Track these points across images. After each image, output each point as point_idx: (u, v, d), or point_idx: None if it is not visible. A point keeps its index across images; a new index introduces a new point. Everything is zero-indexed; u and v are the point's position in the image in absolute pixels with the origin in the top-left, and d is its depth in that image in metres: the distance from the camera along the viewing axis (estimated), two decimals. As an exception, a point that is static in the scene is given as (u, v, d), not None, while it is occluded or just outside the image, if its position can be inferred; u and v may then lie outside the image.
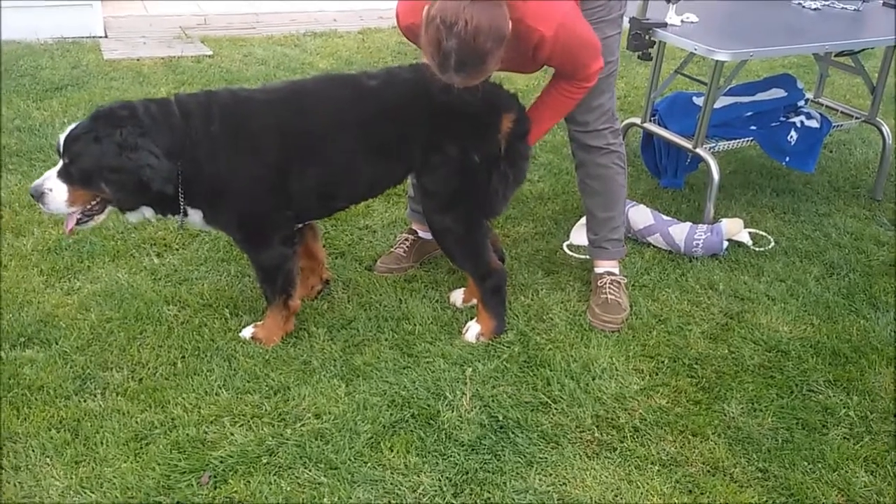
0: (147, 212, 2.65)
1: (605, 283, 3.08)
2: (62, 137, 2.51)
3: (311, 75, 2.98)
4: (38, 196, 2.51)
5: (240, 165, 2.59)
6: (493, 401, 2.59)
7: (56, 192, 2.50)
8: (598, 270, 3.16)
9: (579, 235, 3.50)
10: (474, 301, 3.02)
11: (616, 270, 3.16)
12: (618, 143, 3.09)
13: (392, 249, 3.34)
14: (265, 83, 2.87)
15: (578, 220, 3.58)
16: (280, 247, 2.73)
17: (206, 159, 2.56)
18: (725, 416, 2.58)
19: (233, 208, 2.67)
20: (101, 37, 6.28)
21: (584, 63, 2.71)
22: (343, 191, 2.82)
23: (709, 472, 2.37)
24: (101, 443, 2.36)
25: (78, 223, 2.59)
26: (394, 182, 2.95)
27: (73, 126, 2.53)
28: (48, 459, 2.30)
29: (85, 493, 2.20)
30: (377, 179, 2.87)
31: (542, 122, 2.89)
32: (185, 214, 2.66)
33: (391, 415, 2.51)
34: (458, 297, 3.11)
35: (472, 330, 2.89)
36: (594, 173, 3.11)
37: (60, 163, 2.52)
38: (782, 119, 4.00)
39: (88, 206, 2.57)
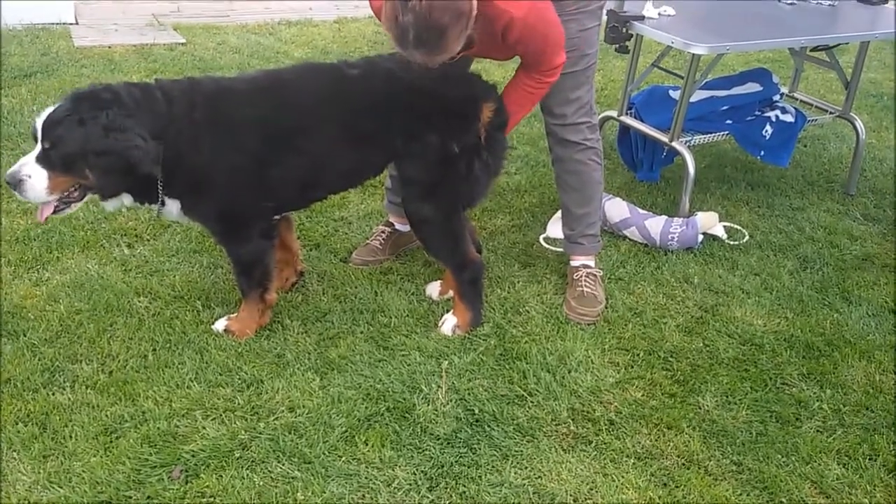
0: (126, 199, 2.57)
1: (581, 276, 3.08)
2: (39, 121, 2.39)
3: (290, 64, 2.92)
4: (16, 184, 2.38)
5: (221, 155, 2.55)
6: (468, 394, 2.57)
7: (35, 178, 2.38)
8: (573, 263, 3.16)
9: (556, 228, 3.49)
10: (450, 294, 3.00)
11: (592, 263, 3.16)
12: (595, 139, 3.06)
13: (368, 241, 3.31)
14: (243, 72, 2.81)
15: (555, 212, 3.57)
16: (259, 240, 2.69)
17: (187, 147, 2.50)
18: (700, 409, 2.59)
19: (212, 199, 2.62)
20: (71, 23, 6.17)
21: (549, 54, 2.68)
22: (323, 181, 2.79)
23: (683, 465, 2.38)
24: (70, 437, 2.32)
25: (55, 211, 2.49)
26: (374, 172, 2.93)
27: (51, 109, 2.41)
28: (15, 454, 2.25)
29: (53, 487, 2.16)
30: (357, 169, 2.84)
31: (511, 113, 2.83)
32: (163, 204, 2.60)
33: (366, 408, 2.49)
34: (434, 289, 3.09)
35: (449, 322, 2.88)
36: (571, 169, 3.09)
37: (38, 148, 2.40)
38: (758, 113, 4.02)
39: (67, 193, 2.47)
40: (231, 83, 2.66)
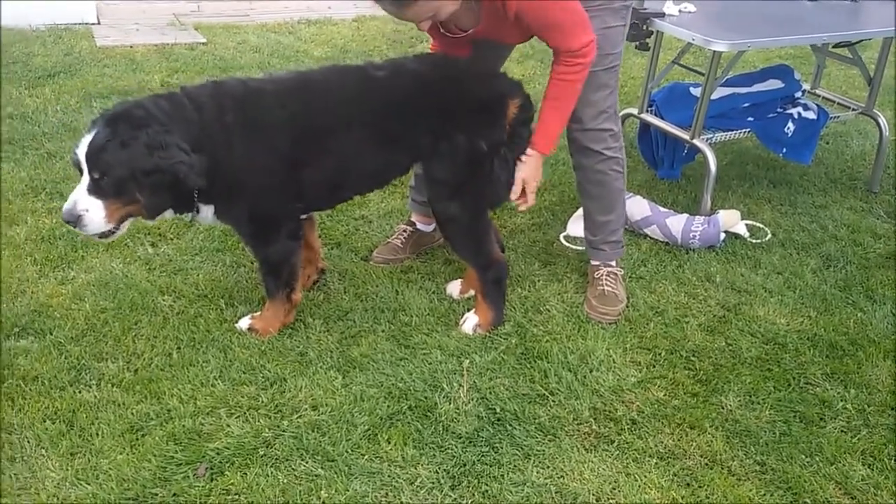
0: (168, 213, 2.57)
1: (602, 275, 3.07)
2: (81, 152, 2.34)
3: (317, 66, 2.94)
4: (75, 220, 2.35)
5: (255, 157, 2.55)
6: (490, 393, 2.58)
7: (93, 211, 2.35)
8: (594, 262, 3.15)
9: (576, 226, 3.49)
10: (471, 292, 3.01)
11: (613, 262, 3.15)
12: (618, 147, 3.00)
13: (389, 240, 3.33)
14: (270, 73, 2.82)
15: (575, 210, 3.57)
16: (286, 240, 2.71)
17: (221, 152, 2.49)
18: (723, 408, 2.58)
19: (245, 202, 2.62)
20: (93, 23, 6.23)
21: (563, 30, 2.58)
22: (352, 181, 2.80)
23: (706, 464, 2.37)
24: (97, 434, 2.34)
25: (104, 236, 2.45)
26: (400, 172, 2.93)
27: (88, 137, 2.35)
28: (43, 451, 2.28)
29: (81, 484, 2.18)
30: (385, 169, 2.85)
31: (546, 119, 2.74)
32: (198, 211, 2.60)
33: (388, 407, 2.50)
34: (454, 288, 3.09)
35: (470, 321, 2.88)
36: (592, 178, 3.04)
37: (86, 178, 2.36)
38: (779, 110, 3.99)
39: (123, 218, 2.43)
40: (259, 84, 2.64)
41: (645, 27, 3.53)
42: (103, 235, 2.46)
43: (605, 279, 3.06)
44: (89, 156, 2.34)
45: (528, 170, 2.77)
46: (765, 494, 2.28)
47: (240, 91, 2.58)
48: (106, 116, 2.41)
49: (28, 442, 2.30)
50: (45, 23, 6.03)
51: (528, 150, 2.75)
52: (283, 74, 2.81)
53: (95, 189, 2.36)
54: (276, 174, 2.60)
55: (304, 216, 2.83)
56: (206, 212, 2.63)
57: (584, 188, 3.10)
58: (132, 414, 2.42)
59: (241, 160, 2.53)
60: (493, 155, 2.69)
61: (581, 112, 2.89)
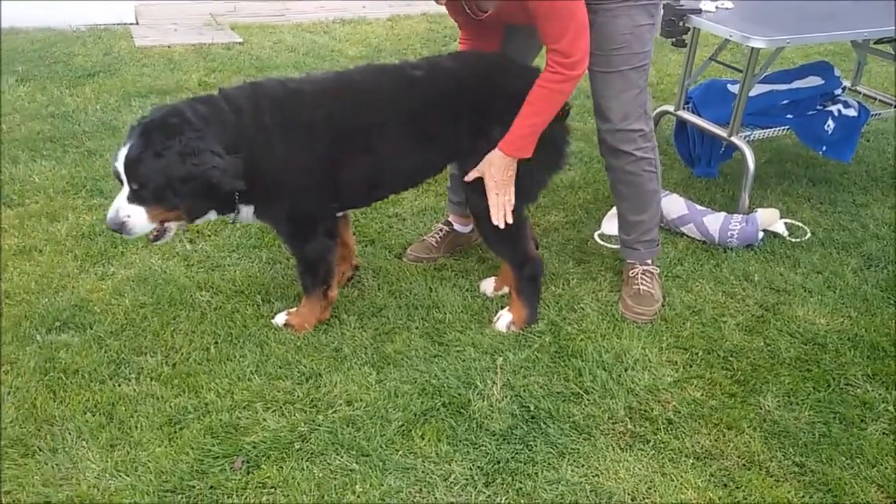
0: (212, 215, 2.60)
1: (638, 274, 3.05)
2: (119, 163, 2.40)
3: (354, 66, 2.94)
4: (119, 227, 2.44)
5: (293, 158, 2.56)
6: (524, 391, 2.57)
7: (135, 217, 2.43)
8: (629, 261, 3.13)
9: (610, 225, 3.47)
10: (505, 290, 3.01)
11: (649, 261, 3.12)
12: (649, 148, 2.93)
13: (424, 238, 3.33)
14: (308, 73, 2.83)
15: (610, 209, 3.54)
16: (324, 238, 2.73)
17: (261, 153, 2.51)
18: (761, 409, 2.55)
19: (284, 202, 2.64)
20: (132, 24, 6.33)
21: (563, 29, 2.49)
22: (389, 181, 2.82)
23: (744, 465, 2.34)
24: (136, 427, 2.38)
25: (154, 240, 2.55)
26: (436, 171, 2.94)
27: (126, 148, 2.40)
28: (84, 442, 2.32)
29: (120, 476, 2.22)
30: (422, 168, 2.86)
31: (516, 122, 2.59)
32: (238, 212, 2.62)
33: (422, 403, 2.51)
34: (488, 285, 3.09)
35: (504, 319, 2.88)
36: (623, 179, 3.00)
37: (126, 188, 2.43)
38: (819, 107, 3.93)
39: (165, 220, 2.51)
40: (298, 85, 2.64)
41: (681, 24, 3.50)
42: (155, 238, 2.53)
43: (641, 278, 3.03)
44: (127, 167, 2.39)
45: (484, 164, 2.66)
46: (804, 496, 2.25)
47: (278, 92, 2.59)
48: (141, 125, 2.43)
49: (69, 434, 2.35)
50: (85, 23, 6.14)
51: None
52: (321, 74, 2.82)
53: (135, 197, 2.42)
54: (314, 175, 2.61)
55: (339, 214, 2.84)
56: (247, 212, 2.65)
57: (616, 188, 3.06)
58: (170, 407, 2.46)
59: (280, 161, 2.54)
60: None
61: (610, 113, 2.86)
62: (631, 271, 3.09)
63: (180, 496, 2.17)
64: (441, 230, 3.31)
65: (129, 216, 2.42)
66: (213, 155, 2.38)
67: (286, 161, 2.55)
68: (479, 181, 2.71)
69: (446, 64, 2.74)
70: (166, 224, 2.54)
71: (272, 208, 2.67)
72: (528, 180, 2.74)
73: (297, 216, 2.68)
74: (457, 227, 3.30)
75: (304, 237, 2.73)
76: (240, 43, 5.95)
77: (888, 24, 3.71)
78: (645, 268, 3.08)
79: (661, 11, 2.88)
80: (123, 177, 2.41)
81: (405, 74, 2.69)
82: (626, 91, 2.81)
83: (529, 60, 2.96)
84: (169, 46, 5.79)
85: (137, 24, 6.35)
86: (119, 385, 2.54)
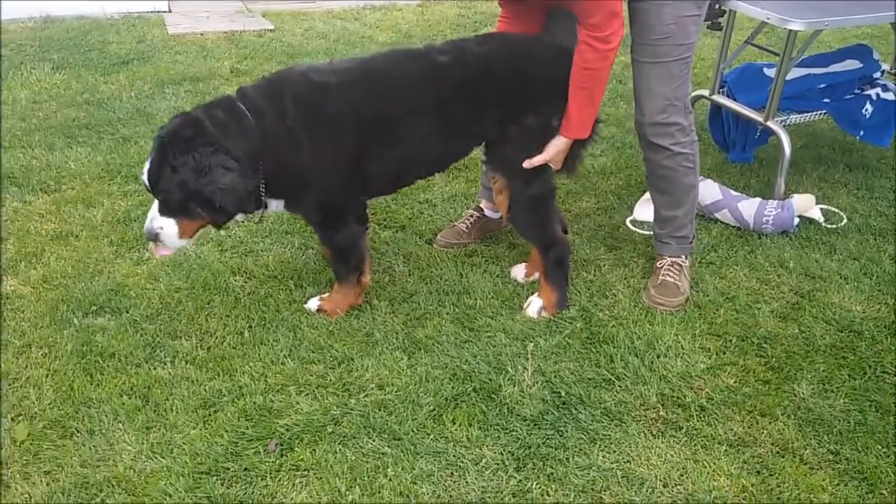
0: (239, 217, 2.61)
1: (665, 265, 3.01)
2: (144, 177, 2.44)
3: (380, 51, 2.91)
4: (154, 237, 2.48)
5: (321, 154, 2.56)
6: (555, 376, 2.57)
7: (167, 228, 2.46)
8: (659, 253, 3.10)
9: (643, 210, 3.44)
10: (535, 276, 3.00)
11: (682, 256, 3.07)
12: (688, 142, 2.86)
13: (455, 224, 3.33)
14: (332, 60, 2.81)
15: (642, 195, 3.52)
16: (354, 226, 2.74)
17: (287, 154, 2.51)
18: (795, 396, 2.52)
19: (314, 196, 2.65)
20: (165, 11, 6.38)
21: (599, 6, 2.44)
22: (415, 169, 2.82)
23: (778, 453, 2.32)
24: (171, 409, 2.41)
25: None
26: (462, 156, 2.93)
27: (148, 162, 2.43)
28: (120, 425, 2.36)
29: (156, 458, 2.25)
30: (448, 155, 2.86)
31: (570, 106, 2.61)
32: (266, 207, 2.64)
33: (453, 388, 2.51)
34: (519, 272, 3.08)
35: (534, 305, 2.87)
36: (659, 173, 2.94)
37: (157, 200, 2.47)
38: (857, 91, 3.86)
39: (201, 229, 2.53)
40: (322, 78, 2.58)
41: (717, 6, 3.45)
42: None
43: (667, 269, 2.99)
44: (150, 181, 2.43)
45: (552, 152, 2.69)
46: (838, 484, 2.22)
47: (300, 88, 2.55)
48: (159, 139, 2.42)
49: (106, 416, 2.39)
50: (118, 11, 6.20)
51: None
52: (345, 63, 2.72)
53: (164, 209, 2.45)
54: (341, 168, 2.62)
55: (368, 200, 2.85)
56: (276, 205, 2.67)
57: (652, 182, 3.02)
58: (205, 390, 2.49)
59: (307, 159, 2.54)
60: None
61: (646, 105, 2.80)
62: (659, 261, 3.05)
63: (215, 478, 2.20)
64: (472, 216, 3.31)
65: (161, 228, 2.46)
66: (224, 171, 2.36)
67: (313, 158, 2.55)
68: (510, 166, 2.71)
69: (473, 48, 2.69)
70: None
71: (302, 202, 2.69)
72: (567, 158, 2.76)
73: (326, 207, 2.69)
74: (487, 212, 3.30)
75: (334, 226, 2.74)
76: (271, 30, 5.98)
77: (930, 5, 3.63)
78: (674, 259, 3.03)
79: (707, 4, 2.76)
80: (150, 187, 2.44)
81: (431, 60, 2.65)
82: (666, 83, 2.74)
83: (572, 42, 2.91)
84: (201, 34, 5.83)
85: (170, 11, 6.40)
86: (154, 368, 2.58)
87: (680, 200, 2.98)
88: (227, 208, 2.43)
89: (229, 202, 2.41)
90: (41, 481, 2.18)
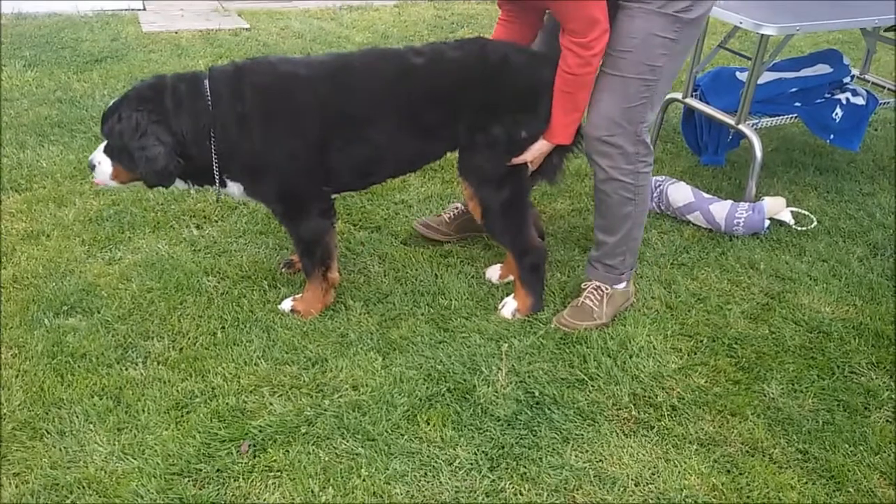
0: (179, 183, 2.67)
1: (589, 287, 2.88)
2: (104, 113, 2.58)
3: (357, 50, 2.92)
4: (92, 168, 2.62)
5: (277, 143, 2.59)
6: (529, 377, 2.58)
7: (103, 165, 2.59)
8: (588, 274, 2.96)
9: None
10: (510, 277, 3.01)
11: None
12: (629, 171, 2.67)
13: (440, 214, 3.32)
14: (308, 55, 2.83)
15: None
16: (318, 219, 2.74)
17: (238, 138, 2.56)
18: (765, 396, 2.56)
19: (271, 182, 2.67)
20: (139, 9, 6.32)
21: (577, 12, 2.42)
22: (383, 168, 2.82)
23: (748, 452, 2.35)
24: (143, 410, 2.40)
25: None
26: (434, 158, 2.93)
27: (111, 102, 2.59)
28: (91, 426, 2.34)
29: (127, 459, 2.24)
30: (418, 156, 2.86)
31: (554, 110, 2.59)
32: (224, 185, 2.68)
33: (427, 388, 2.52)
34: (494, 273, 3.09)
35: (509, 306, 2.88)
36: (596, 193, 2.79)
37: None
38: (827, 96, 3.92)
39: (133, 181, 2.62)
40: (292, 69, 2.63)
41: (690, 10, 3.47)
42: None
43: (590, 292, 2.86)
44: (102, 118, 2.58)
45: (532, 153, 2.68)
46: (807, 483, 2.25)
47: (263, 77, 2.60)
48: (131, 89, 2.57)
49: (76, 417, 2.37)
50: (92, 9, 6.14)
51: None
52: (321, 58, 2.78)
53: (106, 148, 2.59)
54: (299, 159, 2.63)
55: (335, 195, 2.85)
56: (234, 188, 2.69)
57: (594, 198, 2.85)
58: (177, 391, 2.47)
59: (261, 146, 2.57)
60: (533, 142, 2.67)
61: (592, 116, 2.65)
62: (584, 283, 2.93)
63: (187, 479, 2.19)
64: (456, 208, 3.29)
65: (99, 163, 2.59)
66: (156, 142, 2.48)
67: (266, 145, 2.58)
68: (480, 173, 2.73)
69: (449, 53, 2.69)
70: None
71: (259, 188, 2.70)
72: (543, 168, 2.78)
73: (286, 196, 2.71)
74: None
75: (297, 217, 2.75)
76: (247, 29, 5.95)
77: (898, 11, 3.70)
78: (600, 283, 2.87)
79: (691, 32, 2.58)
80: (101, 125, 2.59)
81: (405, 61, 2.66)
82: (617, 100, 2.59)
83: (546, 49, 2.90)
84: (176, 32, 5.79)
85: (145, 9, 6.34)
86: (126, 369, 2.56)
87: (612, 227, 2.81)
88: (147, 178, 2.54)
89: (149, 171, 2.51)
90: (10, 483, 2.15)
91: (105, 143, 2.59)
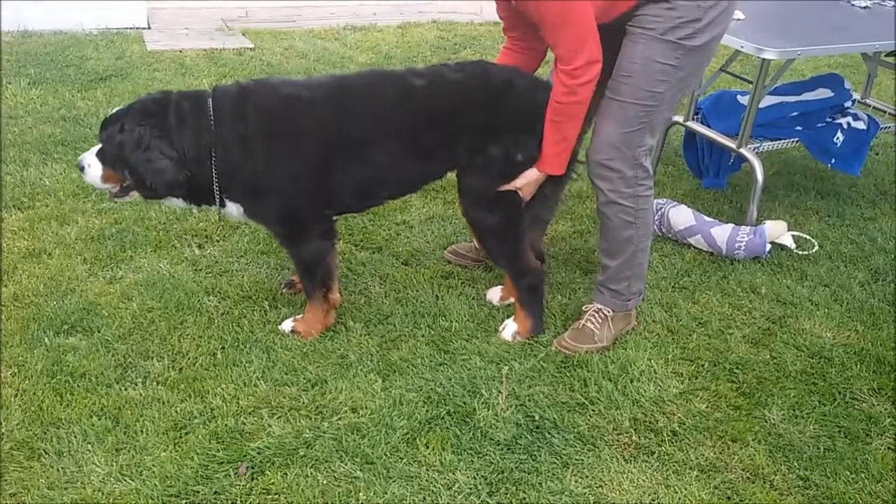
0: (175, 202, 2.69)
1: (591, 309, 2.88)
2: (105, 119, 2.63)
3: (358, 71, 2.94)
4: (81, 168, 2.65)
5: (277, 165, 2.60)
6: (529, 400, 2.57)
7: (92, 168, 2.62)
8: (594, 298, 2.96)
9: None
10: (511, 300, 3.01)
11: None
12: (629, 195, 2.68)
13: (470, 239, 3.31)
14: (310, 76, 2.85)
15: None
16: (319, 241, 2.74)
17: (239, 159, 2.57)
18: (766, 422, 2.54)
19: (271, 204, 2.68)
20: (144, 28, 6.36)
21: (560, 36, 2.42)
22: (383, 190, 2.83)
23: (748, 478, 2.34)
24: (141, 431, 2.39)
25: (115, 196, 2.70)
26: (433, 179, 2.94)
27: (115, 109, 2.63)
28: (89, 446, 2.33)
29: (125, 480, 2.23)
30: (418, 178, 2.87)
31: (545, 139, 2.59)
32: (223, 205, 2.69)
33: (427, 411, 2.51)
34: (494, 295, 3.09)
35: (509, 328, 2.88)
36: (599, 216, 2.80)
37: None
38: (828, 120, 3.93)
39: (119, 187, 2.66)
40: (293, 90, 2.66)
41: (692, 35, 3.49)
42: (114, 196, 2.70)
43: (592, 314, 2.86)
44: (102, 124, 2.62)
45: (523, 181, 2.68)
46: (808, 510, 2.24)
47: (266, 98, 2.62)
48: (136, 101, 2.62)
49: (75, 437, 2.36)
50: (97, 27, 6.18)
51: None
52: (322, 79, 2.82)
53: (100, 153, 2.62)
54: (301, 181, 2.64)
55: (336, 217, 2.85)
56: (234, 209, 2.70)
57: (598, 219, 2.86)
58: (176, 412, 2.47)
59: (262, 167, 2.58)
60: (529, 165, 2.67)
61: (594, 139, 2.67)
62: (585, 306, 2.93)
63: (184, 501, 2.18)
64: None
65: (89, 165, 2.62)
66: (160, 157, 2.51)
67: (267, 166, 2.59)
68: (477, 195, 2.73)
69: (452, 75, 2.71)
70: (129, 189, 2.66)
71: (259, 211, 2.72)
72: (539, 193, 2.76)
73: (287, 218, 2.72)
74: None
75: (298, 239, 2.75)
76: (251, 48, 5.98)
77: (899, 37, 3.72)
78: (602, 307, 2.87)
79: (695, 60, 2.58)
80: (100, 130, 2.63)
81: (406, 83, 2.68)
82: (617, 124, 2.60)
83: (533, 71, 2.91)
84: (181, 51, 5.82)
85: (149, 28, 6.38)
86: (125, 389, 2.55)
87: (615, 251, 2.81)
88: (157, 189, 2.57)
89: (159, 182, 2.55)
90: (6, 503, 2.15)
91: (99, 147, 2.62)
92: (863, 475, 2.35)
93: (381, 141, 2.66)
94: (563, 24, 2.42)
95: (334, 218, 2.82)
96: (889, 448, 2.46)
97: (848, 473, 2.36)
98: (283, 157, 2.60)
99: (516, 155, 2.66)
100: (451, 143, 2.68)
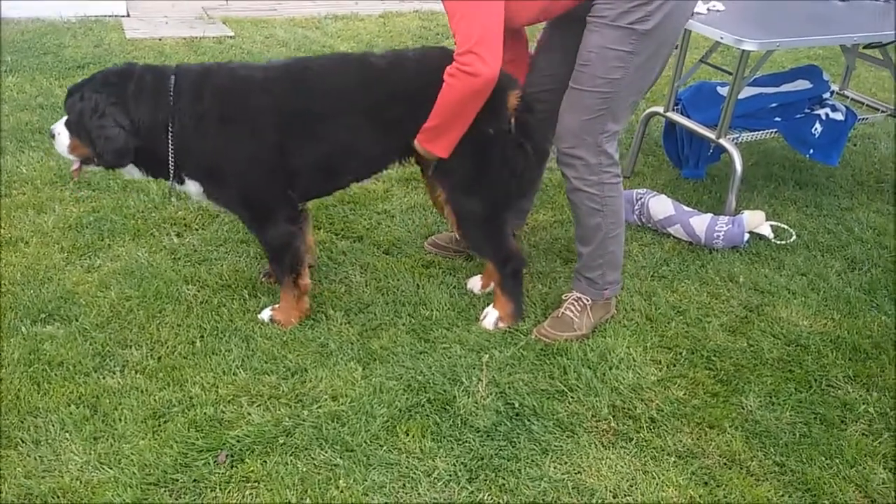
0: (134, 171, 2.71)
1: (570, 298, 2.90)
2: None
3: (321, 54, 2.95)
4: (52, 136, 2.69)
5: (233, 144, 2.61)
6: (509, 388, 2.58)
7: (61, 136, 2.65)
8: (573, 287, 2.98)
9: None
10: (492, 287, 3.01)
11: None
12: (594, 182, 2.69)
13: (451, 230, 3.29)
14: (271, 60, 2.86)
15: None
16: (285, 224, 2.73)
17: (193, 136, 2.60)
18: (743, 409, 2.57)
19: (230, 186, 2.69)
20: (123, 16, 6.30)
21: (453, 19, 2.45)
22: (345, 167, 2.81)
23: (725, 464, 2.36)
24: (120, 419, 2.38)
25: (83, 163, 2.71)
26: (397, 157, 2.84)
27: (79, 80, 2.67)
28: (67, 434, 2.32)
29: (103, 468, 2.22)
30: (380, 157, 2.84)
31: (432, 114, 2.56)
32: (181, 182, 2.70)
33: (407, 399, 2.51)
34: (475, 283, 3.10)
35: (490, 316, 2.89)
36: (570, 203, 2.83)
37: None
38: (807, 111, 3.96)
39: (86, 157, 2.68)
40: (248, 73, 2.68)
41: (672, 25, 3.51)
42: (84, 164, 2.71)
43: (571, 303, 2.88)
44: (67, 93, 2.66)
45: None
46: (783, 495, 2.27)
47: (225, 80, 2.65)
48: (99, 71, 2.66)
49: (53, 426, 2.34)
50: (75, 15, 6.11)
51: None
52: (279, 61, 2.81)
53: (67, 122, 2.65)
54: (258, 161, 2.64)
55: (303, 201, 2.84)
56: (193, 186, 2.71)
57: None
58: (155, 400, 2.46)
59: (217, 146, 2.61)
60: (500, 145, 2.66)
61: (558, 128, 2.70)
62: (564, 296, 2.96)
63: (163, 489, 2.17)
64: None
65: (59, 133, 2.66)
66: (114, 125, 2.54)
67: (221, 146, 2.61)
68: (453, 178, 2.72)
69: (411, 55, 2.76)
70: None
71: (220, 192, 2.72)
72: (509, 174, 2.74)
73: (250, 201, 2.72)
74: None
75: (264, 223, 2.75)
76: (231, 37, 5.94)
77: (877, 28, 3.75)
78: (581, 295, 2.89)
79: (650, 44, 2.55)
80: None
81: (366, 63, 2.70)
82: (576, 113, 2.63)
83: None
84: (160, 39, 5.77)
85: (128, 16, 6.32)
86: (104, 377, 2.54)
87: (586, 238, 2.83)
88: (105, 156, 2.59)
89: (107, 150, 2.57)
90: (-17, 493, 2.13)
91: (66, 117, 2.65)
92: (837, 461, 2.38)
93: (337, 115, 2.66)
94: (462, 17, 2.44)
95: (305, 203, 2.82)
96: (863, 434, 2.49)
97: (823, 459, 2.39)
98: (238, 137, 2.61)
99: (486, 127, 2.62)
100: (411, 121, 2.64)
